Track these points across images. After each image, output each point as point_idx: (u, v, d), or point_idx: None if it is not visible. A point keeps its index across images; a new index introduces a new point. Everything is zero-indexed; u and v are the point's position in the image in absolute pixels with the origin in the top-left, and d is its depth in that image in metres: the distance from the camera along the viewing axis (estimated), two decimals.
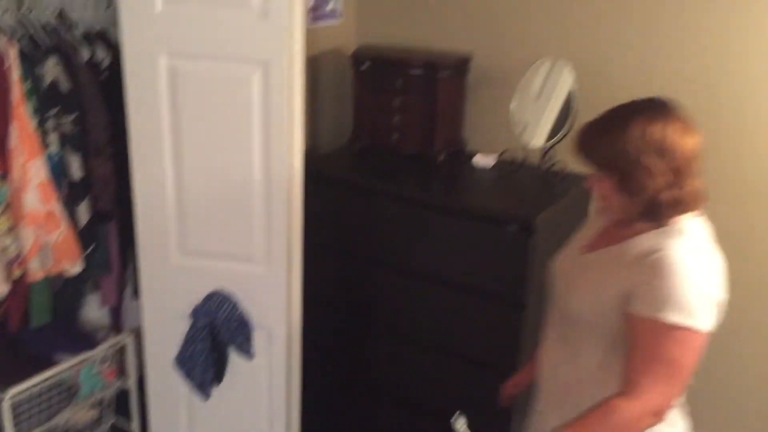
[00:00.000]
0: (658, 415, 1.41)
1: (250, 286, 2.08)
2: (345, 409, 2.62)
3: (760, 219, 2.18)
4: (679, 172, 1.38)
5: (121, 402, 2.53)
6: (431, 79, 2.38)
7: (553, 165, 2.34)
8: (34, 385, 2.18)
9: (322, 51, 2.62)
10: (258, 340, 2.13)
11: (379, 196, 2.30)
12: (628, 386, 1.41)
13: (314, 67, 2.57)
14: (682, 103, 1.43)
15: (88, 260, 2.26)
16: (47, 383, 2.22)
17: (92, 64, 2.23)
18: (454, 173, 2.45)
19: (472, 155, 2.48)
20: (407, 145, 2.47)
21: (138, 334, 2.34)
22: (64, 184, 2.18)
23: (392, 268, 2.33)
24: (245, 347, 2.12)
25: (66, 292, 2.32)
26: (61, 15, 2.22)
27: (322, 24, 2.58)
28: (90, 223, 2.26)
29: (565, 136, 2.26)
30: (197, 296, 2.10)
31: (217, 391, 2.18)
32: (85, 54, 2.21)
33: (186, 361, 2.11)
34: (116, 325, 2.65)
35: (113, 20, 2.31)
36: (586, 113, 1.58)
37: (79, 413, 2.37)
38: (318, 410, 2.48)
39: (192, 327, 2.09)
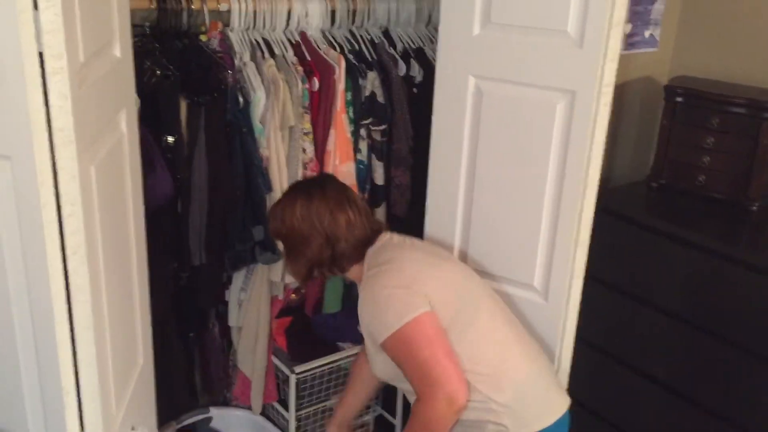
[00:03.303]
0: (452, 403, 1.57)
1: (525, 315, 2.06)
2: None
3: None
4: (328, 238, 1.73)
5: (387, 394, 2.67)
6: (754, 119, 2.15)
7: None
8: (318, 367, 2.39)
9: (633, 79, 2.50)
10: None
11: (673, 240, 2.14)
12: (420, 393, 1.60)
13: (621, 95, 2.47)
14: None
15: None
16: (328, 367, 2.43)
17: (406, 79, 2.38)
18: None
19: None
20: (715, 189, 2.26)
21: None
22: (366, 189, 2.37)
23: (676, 318, 2.16)
24: None
25: (355, 287, 2.51)
26: (387, 32, 2.40)
27: (637, 51, 2.46)
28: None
29: None
30: None
31: None
32: (401, 69, 2.37)
33: None
34: None
35: (430, 38, 2.45)
36: None
37: None
38: None
39: None
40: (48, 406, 1.29)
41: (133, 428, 1.55)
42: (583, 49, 1.76)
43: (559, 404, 1.79)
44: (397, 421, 2.64)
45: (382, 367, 1.78)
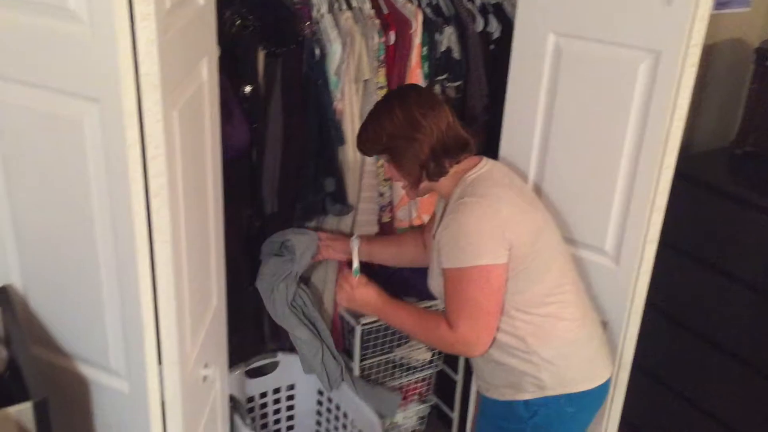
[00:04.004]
0: (468, 345, 1.71)
1: (595, 278, 2.03)
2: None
3: None
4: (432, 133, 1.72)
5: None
6: None
7: None
8: None
9: (722, 40, 2.40)
10: None
11: (756, 209, 2.07)
12: (450, 320, 1.70)
13: (708, 57, 2.37)
14: None
15: None
16: None
17: (483, 35, 2.34)
18: None
19: None
20: None
21: None
22: None
23: (752, 289, 2.09)
24: None
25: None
26: None
27: (728, 11, 2.35)
28: None
29: None
30: None
31: None
32: (479, 25, 2.33)
33: None
34: None
35: None
36: None
37: (415, 353, 2.58)
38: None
39: None
40: (128, 339, 1.36)
41: (206, 365, 1.62)
42: (672, 6, 1.70)
43: (601, 373, 1.80)
44: (459, 377, 2.67)
45: (437, 284, 1.82)
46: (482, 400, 1.92)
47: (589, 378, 1.78)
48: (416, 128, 1.72)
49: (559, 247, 1.84)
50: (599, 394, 1.81)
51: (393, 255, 2.19)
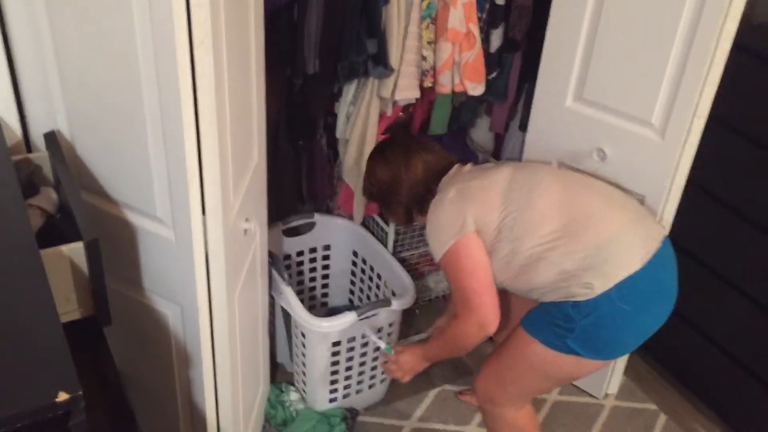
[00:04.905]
0: (482, 328, 1.77)
1: (637, 151, 2.00)
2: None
3: None
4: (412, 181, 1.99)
5: None
6: None
7: None
8: None
9: None
10: None
11: None
12: (457, 312, 1.83)
13: None
14: None
15: (489, 85, 2.38)
16: None
17: None
18: None
19: None
20: None
21: None
22: (485, 8, 2.27)
23: None
24: None
25: (463, 110, 2.49)
26: None
27: None
28: (500, 49, 2.35)
29: None
30: (583, 145, 2.10)
31: None
32: None
33: None
34: (497, 151, 2.80)
35: None
36: None
37: None
38: None
39: None
40: (173, 189, 1.38)
41: (247, 219, 1.66)
42: None
43: (638, 259, 1.71)
44: None
45: None
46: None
47: (631, 263, 1.69)
48: (395, 179, 2.00)
49: (536, 174, 1.86)
50: (642, 279, 1.70)
51: None
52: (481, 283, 1.78)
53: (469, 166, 1.98)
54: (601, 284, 1.67)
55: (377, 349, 2.20)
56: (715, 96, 1.87)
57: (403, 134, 2.14)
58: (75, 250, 1.22)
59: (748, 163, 2.16)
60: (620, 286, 1.67)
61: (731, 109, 2.07)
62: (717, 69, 1.82)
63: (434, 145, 2.06)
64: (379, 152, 2.09)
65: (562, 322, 1.71)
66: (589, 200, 1.79)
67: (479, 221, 1.78)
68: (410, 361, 2.03)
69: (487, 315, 1.76)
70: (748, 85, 2.10)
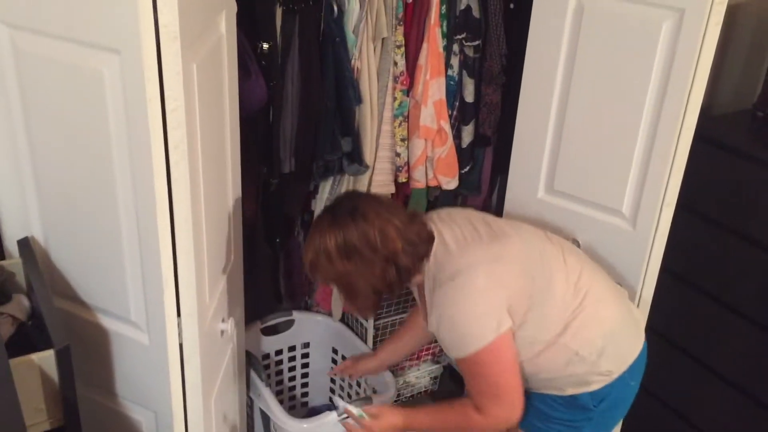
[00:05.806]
0: (505, 421, 1.64)
1: (611, 241, 2.03)
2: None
3: None
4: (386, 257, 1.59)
5: None
6: None
7: None
8: None
9: (746, 0, 2.35)
10: None
11: None
12: (477, 404, 1.64)
13: (733, 16, 2.32)
14: None
15: (463, 179, 2.42)
16: None
17: None
18: None
19: None
20: None
21: None
22: (456, 105, 2.34)
23: None
24: None
25: (438, 204, 2.53)
26: None
27: None
28: (472, 144, 2.41)
29: None
30: (557, 236, 2.12)
31: None
32: None
33: None
34: None
35: None
36: None
37: None
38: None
39: None
40: (148, 292, 1.38)
41: (223, 320, 1.64)
42: None
43: (639, 337, 1.81)
44: None
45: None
46: (529, 396, 1.77)
47: (636, 343, 1.78)
48: (362, 259, 1.58)
49: (550, 253, 1.75)
50: (643, 354, 1.80)
51: (414, 342, 2.15)
52: (517, 377, 1.64)
53: (448, 235, 1.67)
54: (617, 368, 1.70)
55: (343, 416, 1.81)
56: (681, 184, 1.92)
57: (358, 196, 1.81)
58: (45, 358, 1.20)
59: (717, 248, 2.20)
60: (631, 366, 1.73)
61: (698, 196, 2.13)
62: (681, 159, 1.88)
63: (400, 206, 1.86)
64: (333, 224, 1.61)
65: (576, 417, 1.71)
66: (594, 284, 1.78)
67: (510, 310, 1.63)
68: (385, 429, 1.73)
69: (517, 413, 1.65)
70: (711, 173, 2.16)
